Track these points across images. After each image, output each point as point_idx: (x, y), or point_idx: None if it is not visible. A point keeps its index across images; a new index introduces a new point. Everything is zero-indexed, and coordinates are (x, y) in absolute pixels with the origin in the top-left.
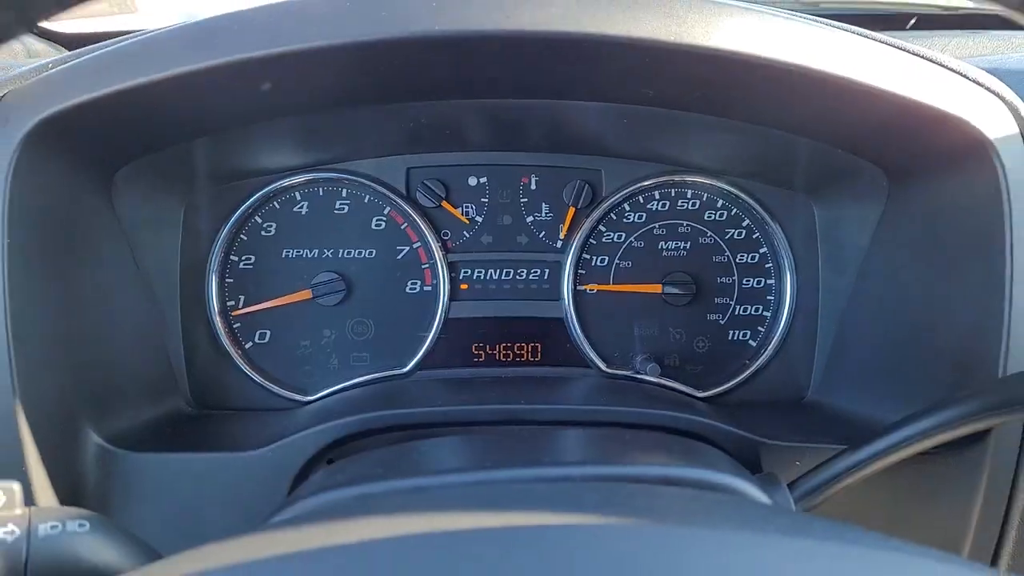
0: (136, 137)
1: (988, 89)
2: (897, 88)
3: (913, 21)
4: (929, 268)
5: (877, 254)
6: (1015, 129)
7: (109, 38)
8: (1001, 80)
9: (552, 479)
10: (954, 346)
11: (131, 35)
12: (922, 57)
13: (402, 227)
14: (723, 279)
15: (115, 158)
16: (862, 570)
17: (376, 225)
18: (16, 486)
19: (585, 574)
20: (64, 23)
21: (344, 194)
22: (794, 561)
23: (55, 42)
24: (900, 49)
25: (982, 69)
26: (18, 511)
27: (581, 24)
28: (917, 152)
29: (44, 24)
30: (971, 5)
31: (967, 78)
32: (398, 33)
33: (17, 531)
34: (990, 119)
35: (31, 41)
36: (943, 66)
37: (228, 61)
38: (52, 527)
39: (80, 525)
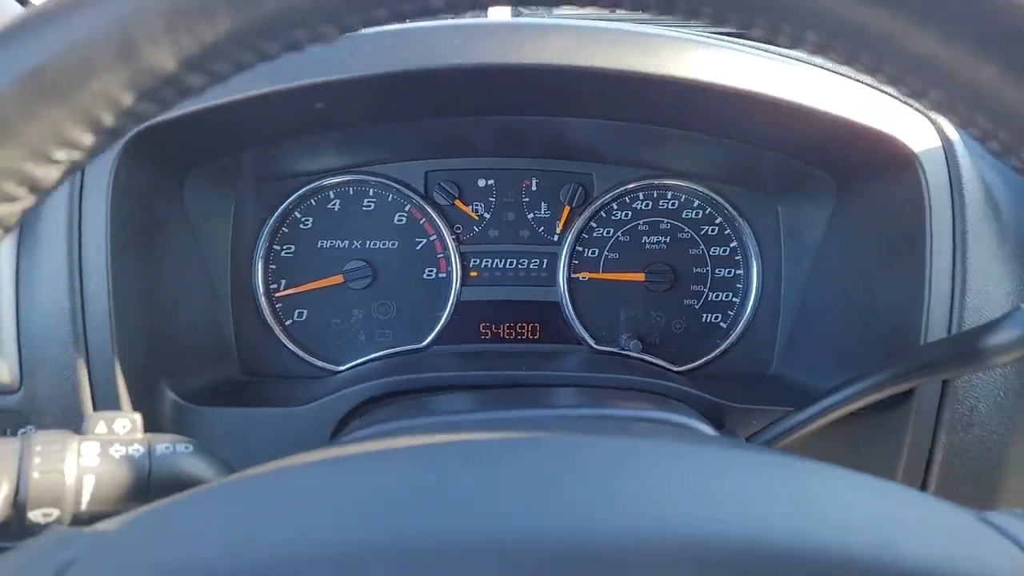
0: (210, 145)
1: (915, 108)
2: (836, 109)
3: None
4: (868, 260)
5: (828, 247)
6: (937, 143)
7: None
8: None
9: (547, 416)
10: (887, 325)
11: None
12: (859, 81)
13: (420, 222)
14: (698, 269)
15: (190, 162)
16: (795, 475)
17: (398, 220)
18: (138, 417)
19: (561, 463)
20: None
21: (371, 193)
22: (742, 463)
23: None
24: (840, 74)
25: None
26: (139, 435)
27: (575, 59)
28: (856, 162)
29: None
30: None
31: (897, 98)
32: (428, 65)
33: (142, 449)
34: (916, 135)
35: None
36: (877, 88)
37: (300, 84)
38: (166, 448)
39: (186, 447)
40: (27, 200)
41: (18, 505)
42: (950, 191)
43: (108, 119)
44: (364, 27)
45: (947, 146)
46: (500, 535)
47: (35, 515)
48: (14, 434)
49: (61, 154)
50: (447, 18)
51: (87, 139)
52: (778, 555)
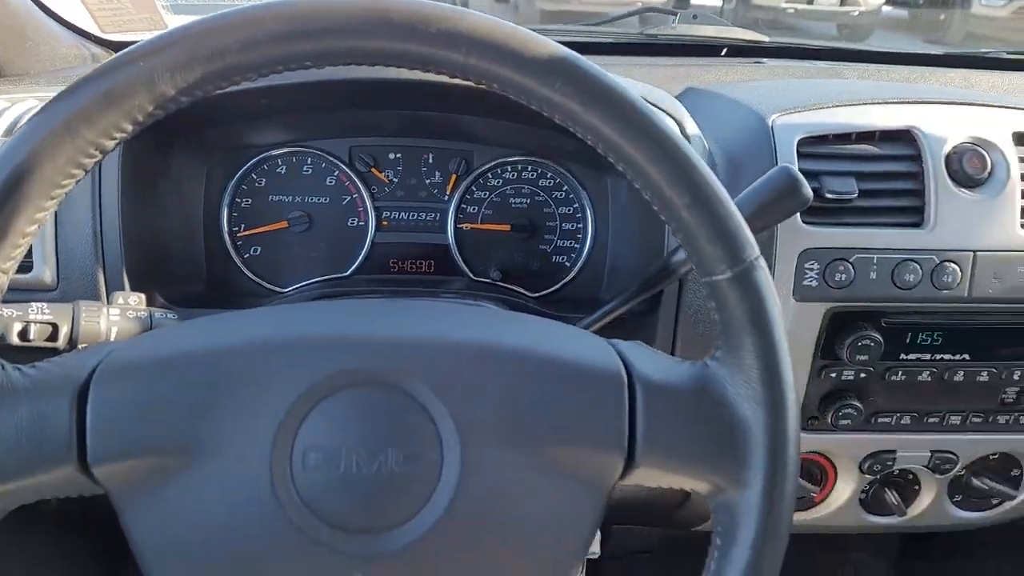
0: (185, 126)
1: (662, 109)
2: None
3: (725, 51)
4: (646, 212)
5: (629, 206)
6: (689, 132)
7: None
8: (695, 99)
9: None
10: (650, 260)
11: None
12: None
13: (346, 184)
14: (550, 223)
15: (172, 137)
16: (512, 318)
17: (329, 182)
18: (143, 296)
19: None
20: (116, 36)
21: (309, 161)
22: (491, 313)
23: (113, 50)
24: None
25: (709, 91)
26: (144, 307)
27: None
28: None
29: (104, 36)
30: (767, 39)
31: (649, 102)
32: (345, 76)
33: (145, 315)
34: None
35: (94, 48)
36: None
37: (247, 88)
38: (160, 315)
39: (174, 315)
40: (98, 157)
41: (72, 340)
42: None
43: (140, 118)
44: (268, 74)
45: (684, 137)
46: (358, 336)
47: (80, 347)
48: None
49: (117, 134)
50: None
51: (129, 127)
52: (485, 348)
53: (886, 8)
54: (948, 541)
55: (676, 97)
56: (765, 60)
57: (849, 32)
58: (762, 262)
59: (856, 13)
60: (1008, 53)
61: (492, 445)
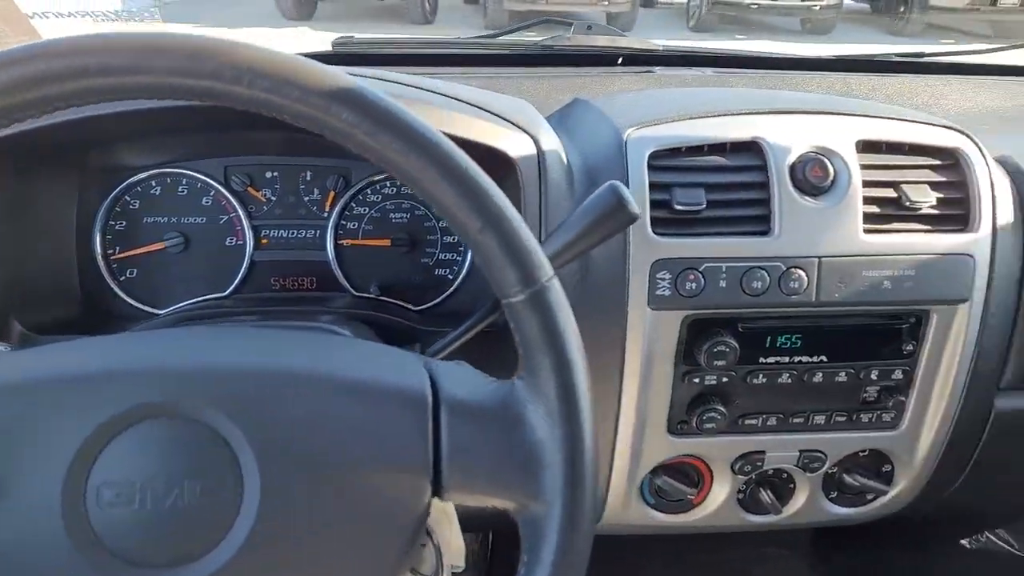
0: (59, 148)
1: (516, 125)
2: (465, 133)
3: (620, 60)
4: None
5: None
6: (533, 151)
7: None
8: (574, 111)
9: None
10: None
11: None
12: (480, 108)
13: (222, 203)
14: (431, 237)
15: (29, 161)
16: (319, 341)
17: (205, 202)
18: None
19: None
20: None
21: (184, 182)
22: (306, 336)
23: None
24: (467, 103)
25: (585, 101)
26: None
27: None
28: (495, 167)
29: None
30: (660, 48)
31: (504, 119)
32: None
33: None
34: (517, 147)
35: None
36: (491, 112)
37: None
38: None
39: (6, 347)
40: None
41: None
42: (539, 184)
43: None
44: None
45: (540, 153)
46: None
47: None
48: None
49: None
50: None
51: None
52: (286, 374)
53: (848, 1)
54: (859, 534)
55: (564, 107)
56: (656, 69)
57: (811, 27)
58: (555, 283)
59: (817, 8)
60: (897, 56)
61: (293, 472)
